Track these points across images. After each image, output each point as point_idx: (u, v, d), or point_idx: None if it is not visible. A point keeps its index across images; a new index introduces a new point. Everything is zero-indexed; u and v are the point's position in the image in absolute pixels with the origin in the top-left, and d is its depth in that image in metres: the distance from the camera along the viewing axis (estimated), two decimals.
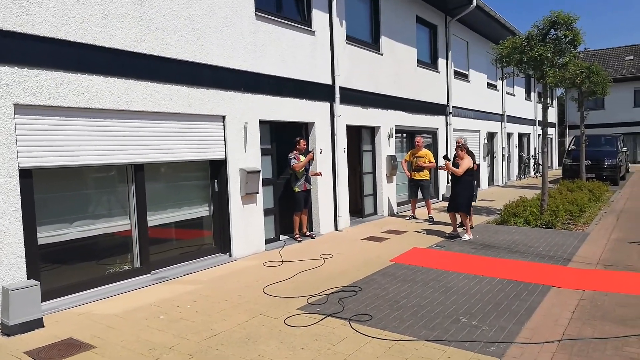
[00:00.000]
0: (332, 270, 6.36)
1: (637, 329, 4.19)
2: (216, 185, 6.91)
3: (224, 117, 6.82)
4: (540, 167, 22.53)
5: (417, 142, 10.36)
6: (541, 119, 25.18)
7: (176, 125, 6.22)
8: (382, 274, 6.17)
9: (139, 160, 5.78)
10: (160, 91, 5.91)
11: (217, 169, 6.92)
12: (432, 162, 10.23)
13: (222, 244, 7.00)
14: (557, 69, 9.42)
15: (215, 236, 7.01)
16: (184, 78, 6.20)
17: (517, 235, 8.50)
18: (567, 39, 9.36)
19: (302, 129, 8.75)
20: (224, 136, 6.86)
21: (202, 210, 6.87)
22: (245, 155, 7.15)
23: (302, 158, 7.97)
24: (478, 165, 10.00)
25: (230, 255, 6.98)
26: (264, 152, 7.70)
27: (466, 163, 8.24)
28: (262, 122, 7.58)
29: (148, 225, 6.00)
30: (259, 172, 7.21)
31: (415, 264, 6.60)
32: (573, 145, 19.16)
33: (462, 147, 8.43)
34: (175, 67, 6.09)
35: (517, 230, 9.04)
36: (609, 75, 15.63)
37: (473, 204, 8.94)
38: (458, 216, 8.57)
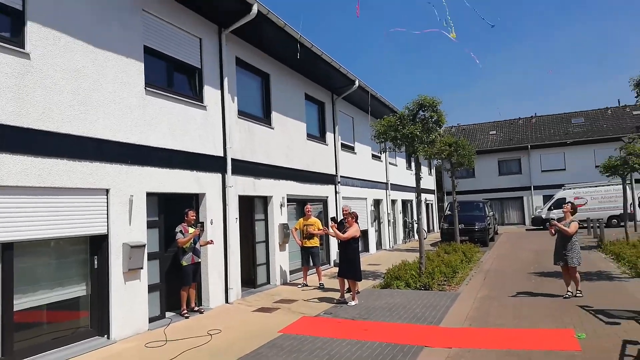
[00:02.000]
0: (218, 347, 6.27)
1: None
2: (96, 262, 6.60)
3: (107, 191, 6.67)
4: (424, 231, 24.39)
5: (307, 210, 10.84)
6: (423, 187, 27.55)
7: (54, 200, 5.95)
8: (269, 346, 6.22)
9: (7, 239, 5.40)
10: (38, 165, 5.69)
11: (98, 244, 6.64)
12: (322, 229, 10.71)
13: (100, 325, 6.58)
14: (426, 145, 10.65)
15: (92, 318, 6.57)
16: (66, 151, 6.04)
17: (398, 298, 9.08)
18: (433, 119, 10.72)
19: (193, 200, 8.78)
20: (107, 210, 6.67)
21: (78, 290, 6.45)
22: (130, 229, 6.97)
23: (190, 230, 7.94)
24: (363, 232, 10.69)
25: (108, 337, 6.56)
26: (150, 225, 7.56)
27: (353, 230, 8.80)
28: (150, 194, 7.50)
29: (15, 310, 5.51)
30: (143, 246, 7.04)
31: (303, 334, 6.75)
32: (448, 210, 21.16)
33: (351, 214, 9.01)
34: (57, 141, 5.93)
35: (399, 293, 9.66)
36: (473, 148, 17.87)
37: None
38: (347, 281, 9.00)
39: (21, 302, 5.66)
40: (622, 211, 21.31)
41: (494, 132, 37.16)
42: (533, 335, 6.38)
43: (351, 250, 8.78)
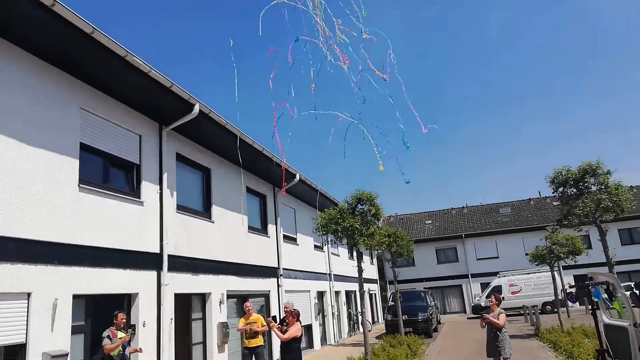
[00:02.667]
0: None
1: None
2: None
3: (29, 294, 6.15)
4: (368, 323, 23.96)
5: (247, 308, 10.27)
6: (365, 276, 27.57)
7: None
8: None
9: None
10: None
11: (14, 355, 5.97)
12: (265, 326, 10.22)
13: None
14: (366, 238, 10.89)
15: None
16: None
17: None
18: (371, 213, 11.08)
19: (125, 301, 8.23)
20: (27, 316, 6.10)
21: None
22: (52, 336, 6.36)
23: (119, 335, 7.34)
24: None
25: None
26: (76, 330, 6.95)
27: (294, 330, 8.39)
28: (77, 297, 6.98)
29: None
30: (66, 355, 6.40)
31: None
32: (392, 301, 21.12)
33: (292, 313, 8.51)
34: None
35: None
36: (411, 239, 18.40)
37: None
38: None
39: None
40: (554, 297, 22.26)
41: (430, 221, 38.65)
42: None
43: (293, 350, 8.40)
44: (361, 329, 23.10)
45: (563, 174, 10.79)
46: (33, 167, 6.50)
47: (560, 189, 10.92)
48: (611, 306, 6.91)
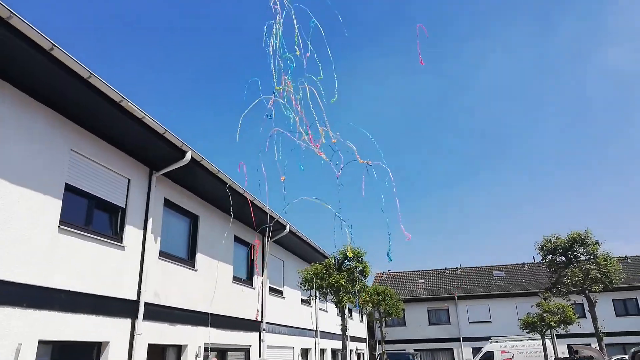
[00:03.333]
0: None
1: None
2: None
3: None
4: None
5: None
6: (353, 335, 26.80)
7: None
8: None
9: None
10: None
11: None
12: None
13: None
14: (351, 295, 10.65)
15: None
16: None
17: None
18: (358, 269, 10.91)
19: (94, 350, 7.91)
20: None
21: None
22: None
23: None
24: None
25: None
26: None
27: None
28: (43, 342, 6.70)
29: None
30: None
31: None
32: None
33: None
34: None
35: None
36: (400, 299, 18.03)
37: None
38: None
39: None
40: None
41: (423, 280, 38.07)
42: None
43: None
44: None
45: (552, 241, 10.72)
46: (12, 207, 6.43)
47: (549, 257, 10.82)
48: None
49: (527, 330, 16.19)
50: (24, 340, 6.31)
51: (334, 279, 10.43)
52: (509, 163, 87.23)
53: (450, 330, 33.68)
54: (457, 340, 33.07)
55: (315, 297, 11.97)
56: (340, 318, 23.25)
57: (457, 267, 39.15)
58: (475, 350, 30.39)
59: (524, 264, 37.61)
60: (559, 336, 27.03)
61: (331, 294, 10.82)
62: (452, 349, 33.12)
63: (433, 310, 34.78)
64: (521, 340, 27.03)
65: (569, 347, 7.39)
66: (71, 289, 7.26)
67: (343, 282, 10.42)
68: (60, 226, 7.22)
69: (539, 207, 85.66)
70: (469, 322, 33.39)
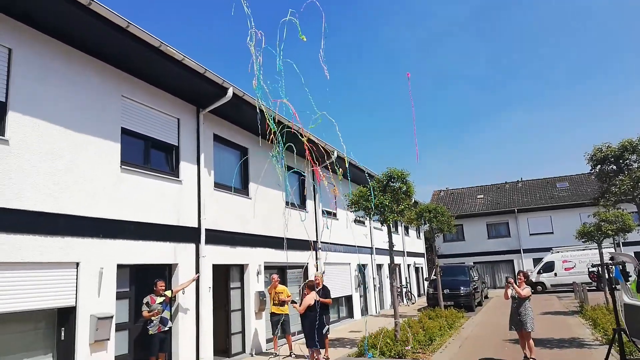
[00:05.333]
0: None
1: None
2: (62, 334, 6.82)
3: (77, 264, 7.02)
4: (411, 295, 24.26)
5: (273, 279, 10.94)
6: (411, 250, 27.75)
7: (26, 274, 6.29)
8: None
9: None
10: (11, 241, 6.09)
11: (66, 316, 6.89)
12: (290, 296, 10.88)
13: None
14: (395, 214, 11.10)
15: None
16: (38, 228, 6.46)
17: None
18: (403, 190, 11.25)
19: (166, 270, 9.07)
20: (76, 282, 6.98)
21: None
22: (99, 301, 7.24)
23: (158, 300, 8.18)
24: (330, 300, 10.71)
25: None
26: (120, 296, 7.83)
27: (307, 300, 9.11)
28: (120, 266, 7.83)
29: None
30: (111, 317, 7.27)
31: None
32: (434, 275, 21.24)
33: (306, 285, 9.36)
34: (30, 218, 6.37)
35: None
36: (453, 215, 18.32)
37: (332, 336, 9.59)
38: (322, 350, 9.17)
39: None
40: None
41: (482, 196, 37.81)
42: None
43: (308, 320, 9.03)
44: (404, 301, 23.53)
45: (602, 150, 10.37)
46: (78, 151, 7.28)
47: (599, 167, 10.53)
48: (627, 286, 6.84)
49: (584, 240, 16.08)
50: (104, 264, 7.42)
51: (378, 200, 10.88)
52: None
53: (509, 242, 33.82)
54: (518, 252, 33.25)
55: (370, 217, 12.45)
56: (396, 235, 24.14)
57: (517, 181, 38.33)
58: (536, 261, 30.56)
59: (590, 173, 36.05)
60: (626, 244, 26.49)
61: (377, 214, 11.33)
62: (512, 261, 33.44)
63: (492, 225, 34.85)
64: (584, 250, 26.79)
65: (610, 255, 7.49)
66: (139, 220, 8.26)
67: (387, 203, 10.84)
68: (122, 166, 8.08)
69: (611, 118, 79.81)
70: (530, 234, 33.27)
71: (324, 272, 11.38)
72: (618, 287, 7.37)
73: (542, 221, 33.05)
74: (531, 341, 8.82)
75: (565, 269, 27.16)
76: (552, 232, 32.43)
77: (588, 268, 19.75)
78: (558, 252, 27.95)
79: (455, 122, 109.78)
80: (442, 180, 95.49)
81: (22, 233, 6.25)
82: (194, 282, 9.43)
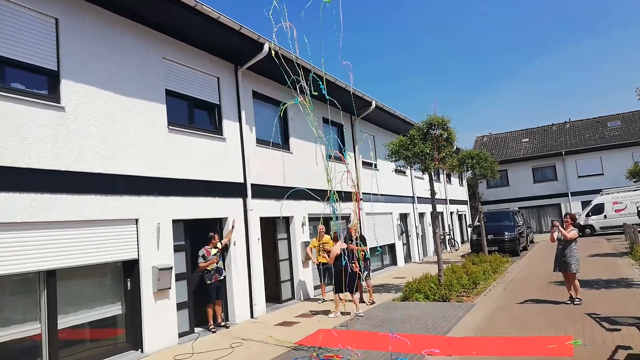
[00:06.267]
0: (239, 358, 6.93)
1: None
2: (129, 284, 7.44)
3: (137, 220, 7.54)
4: (454, 242, 24.37)
5: (320, 230, 11.32)
6: (454, 198, 27.58)
7: (90, 230, 6.85)
8: (285, 356, 6.81)
9: (52, 267, 6.30)
10: (76, 202, 6.60)
11: (130, 268, 7.49)
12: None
13: (134, 340, 7.39)
14: (436, 162, 11.06)
15: (127, 334, 7.40)
16: (99, 188, 6.95)
17: (414, 310, 9.48)
18: (444, 137, 11.14)
19: (217, 224, 9.57)
20: (137, 237, 7.53)
21: (114, 309, 7.31)
22: (158, 254, 7.80)
23: (212, 252, 8.70)
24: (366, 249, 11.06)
25: (142, 351, 7.35)
26: (177, 249, 8.38)
27: (334, 250, 9.48)
28: (175, 221, 8.34)
29: (59, 328, 6.38)
30: (171, 268, 7.84)
31: (316, 345, 7.31)
32: (478, 221, 21.19)
33: (320, 234, 10.06)
34: (90, 179, 6.85)
35: (416, 305, 10.04)
36: (496, 160, 18.00)
37: (377, 282, 9.94)
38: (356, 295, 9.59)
39: (64, 322, 6.53)
40: None
41: (527, 139, 36.64)
42: (531, 342, 6.69)
43: (336, 269, 9.42)
44: (447, 248, 23.70)
45: None
46: (127, 114, 7.64)
47: None
48: None
49: (635, 180, 15.54)
50: (161, 220, 7.93)
51: (419, 148, 10.83)
52: None
53: (556, 186, 32.95)
54: (565, 195, 32.42)
55: (411, 167, 12.44)
56: (438, 184, 24.01)
57: (565, 122, 36.76)
58: (585, 204, 29.78)
59: None
60: None
61: (417, 163, 11.33)
62: (559, 204, 32.70)
63: (538, 168, 33.93)
64: (635, 190, 25.82)
65: None
66: (189, 178, 8.67)
67: (428, 151, 10.79)
68: (169, 127, 8.42)
69: None
70: (578, 177, 32.25)
71: (357, 223, 11.65)
72: None
73: (591, 163, 31.88)
74: (576, 282, 8.86)
75: (616, 211, 26.34)
76: (602, 174, 31.29)
77: (637, 208, 19.08)
78: (608, 193, 27.05)
79: (505, 60, 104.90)
80: (487, 124, 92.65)
81: (85, 193, 6.75)
82: (244, 234, 9.91)
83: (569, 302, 8.85)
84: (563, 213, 32.52)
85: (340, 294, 9.39)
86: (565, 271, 8.85)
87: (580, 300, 8.82)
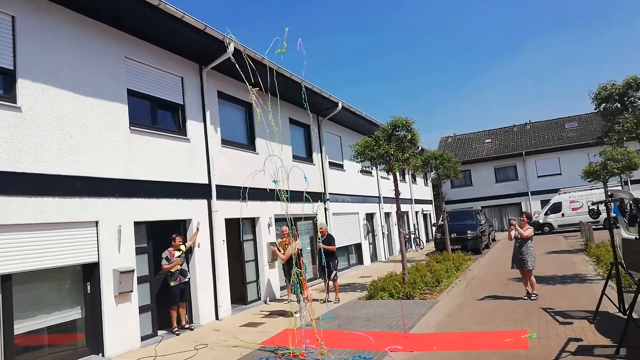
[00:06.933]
0: None
1: None
2: (88, 288, 7.28)
3: (97, 222, 7.38)
4: (419, 240, 24.81)
5: (283, 231, 11.29)
6: (419, 197, 28.09)
7: (48, 234, 6.66)
8: (249, 357, 6.82)
9: (7, 271, 6.11)
10: (32, 204, 6.42)
11: (90, 271, 7.33)
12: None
13: (95, 345, 7.24)
14: (400, 163, 11.28)
15: (87, 338, 7.23)
16: (57, 190, 6.77)
17: (378, 309, 9.64)
18: (407, 138, 11.38)
19: (181, 226, 9.46)
20: (97, 240, 7.37)
21: (73, 314, 7.13)
22: (120, 256, 7.66)
23: (176, 254, 8.62)
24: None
25: (103, 355, 7.21)
26: (140, 251, 8.25)
27: (289, 250, 9.94)
28: (137, 223, 8.20)
29: (15, 333, 6.19)
30: (132, 271, 7.72)
31: (281, 345, 7.35)
32: (441, 220, 21.67)
33: (283, 235, 10.40)
34: (48, 181, 6.66)
35: (381, 303, 10.21)
36: (460, 160, 18.47)
37: (343, 281, 10.06)
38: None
39: (22, 327, 6.34)
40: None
41: (489, 140, 37.68)
42: (489, 337, 6.94)
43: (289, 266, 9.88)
44: (412, 247, 24.13)
45: (607, 88, 10.29)
46: (87, 114, 7.48)
47: (603, 105, 10.50)
48: (625, 221, 7.07)
49: (589, 180, 16.25)
50: (122, 222, 7.79)
51: (383, 149, 11.03)
52: None
53: (517, 186, 34.03)
54: (525, 194, 33.51)
55: (377, 167, 12.65)
56: (403, 184, 24.41)
57: (526, 123, 37.98)
58: (544, 203, 30.84)
59: (595, 112, 35.59)
60: (634, 182, 26.54)
61: (382, 164, 11.52)
62: (519, 203, 33.76)
63: (500, 168, 34.95)
64: (591, 189, 26.95)
65: (610, 192, 7.65)
66: (152, 179, 8.55)
67: (392, 152, 11.00)
68: (131, 127, 8.28)
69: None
70: (538, 176, 33.39)
71: (326, 223, 11.84)
72: (618, 224, 7.61)
73: (550, 163, 33.07)
74: (532, 278, 9.22)
75: (573, 209, 27.44)
76: (560, 174, 32.49)
77: (588, 206, 19.93)
78: (566, 192, 28.15)
79: (469, 60, 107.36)
80: (451, 126, 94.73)
81: (43, 196, 6.57)
82: (209, 236, 9.84)
83: (526, 297, 9.21)
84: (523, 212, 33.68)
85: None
86: (522, 268, 9.20)
87: (537, 295, 9.19)
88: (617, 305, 7.15)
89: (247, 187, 11.38)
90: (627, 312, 5.83)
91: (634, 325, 5.69)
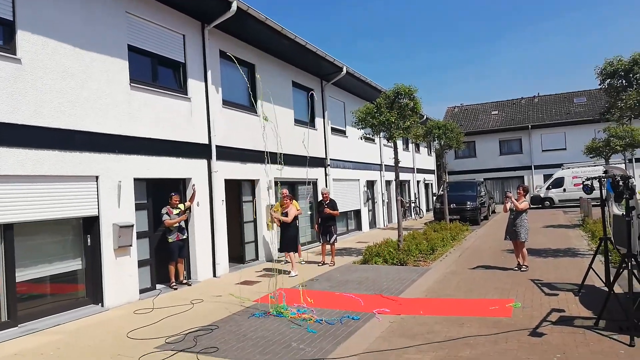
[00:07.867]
0: (198, 313, 7.13)
1: (418, 341, 5.50)
2: (89, 240, 7.48)
3: (97, 177, 7.51)
4: (419, 209, 24.99)
5: (283, 193, 11.40)
6: (421, 167, 28.12)
7: (48, 186, 6.80)
8: (242, 313, 7.06)
9: (8, 220, 6.28)
10: (32, 157, 6.52)
11: (90, 224, 7.51)
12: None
13: (94, 295, 7.50)
14: (401, 131, 11.27)
15: (87, 288, 7.50)
16: (57, 144, 6.86)
17: (371, 273, 9.86)
18: (409, 107, 11.31)
19: (180, 184, 9.60)
20: (97, 194, 7.52)
21: (74, 264, 7.36)
22: (119, 211, 7.82)
23: (174, 212, 8.79)
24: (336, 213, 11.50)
25: (102, 305, 7.49)
26: (139, 207, 8.41)
27: (292, 212, 10.13)
28: (137, 180, 8.33)
29: (17, 281, 6.42)
30: (132, 226, 7.90)
31: (274, 302, 7.57)
32: (441, 190, 21.78)
33: (287, 197, 10.41)
34: (48, 134, 6.75)
35: (374, 268, 10.44)
36: (462, 132, 18.39)
37: (340, 246, 10.32)
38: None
39: (24, 274, 6.57)
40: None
41: (496, 112, 37.32)
42: (475, 304, 7.13)
43: (291, 228, 10.32)
44: (412, 216, 24.35)
45: (613, 64, 10.12)
46: (87, 69, 7.48)
47: (608, 81, 10.34)
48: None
49: (592, 156, 16.19)
50: (122, 178, 7.91)
51: (384, 117, 10.99)
52: None
53: (521, 159, 33.93)
54: (529, 168, 33.46)
55: (380, 135, 12.63)
56: (406, 152, 24.40)
57: (534, 96, 37.49)
58: (547, 177, 30.82)
59: (599, 87, 35.02)
60: (638, 160, 26.39)
61: (383, 131, 11.50)
62: (522, 177, 33.74)
63: (505, 141, 34.77)
64: (595, 166, 26.81)
65: (604, 169, 7.71)
66: (152, 137, 8.62)
67: (393, 120, 10.96)
68: (132, 83, 8.28)
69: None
70: (542, 150, 33.24)
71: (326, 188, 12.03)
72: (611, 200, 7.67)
73: (556, 137, 32.84)
74: (524, 250, 9.37)
75: (575, 185, 27.41)
76: (565, 149, 32.32)
77: (583, 181, 19.91)
78: (569, 168, 28.08)
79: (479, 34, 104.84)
80: (457, 96, 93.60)
81: (42, 148, 6.67)
82: (208, 197, 9.98)
83: (516, 268, 9.39)
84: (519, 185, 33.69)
85: (292, 252, 10.22)
86: (515, 240, 9.33)
87: (527, 267, 9.36)
88: (603, 280, 7.29)
89: (248, 149, 11.49)
90: (609, 286, 5.97)
91: (615, 298, 5.83)
